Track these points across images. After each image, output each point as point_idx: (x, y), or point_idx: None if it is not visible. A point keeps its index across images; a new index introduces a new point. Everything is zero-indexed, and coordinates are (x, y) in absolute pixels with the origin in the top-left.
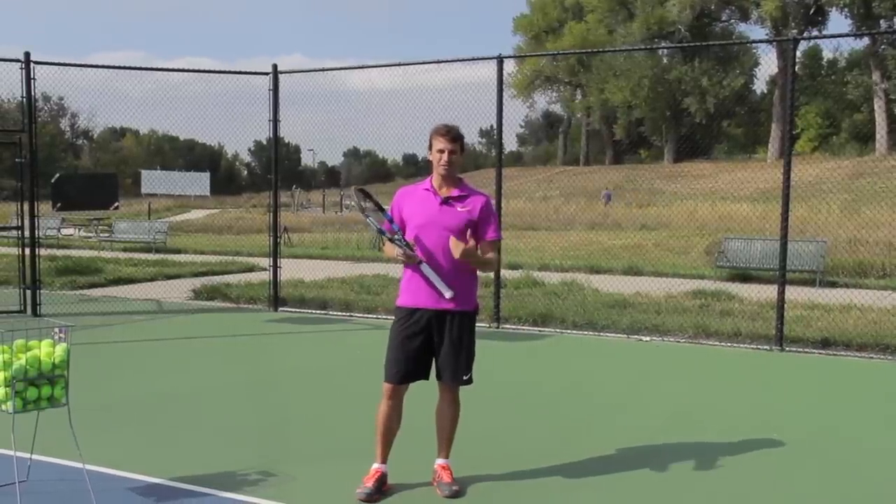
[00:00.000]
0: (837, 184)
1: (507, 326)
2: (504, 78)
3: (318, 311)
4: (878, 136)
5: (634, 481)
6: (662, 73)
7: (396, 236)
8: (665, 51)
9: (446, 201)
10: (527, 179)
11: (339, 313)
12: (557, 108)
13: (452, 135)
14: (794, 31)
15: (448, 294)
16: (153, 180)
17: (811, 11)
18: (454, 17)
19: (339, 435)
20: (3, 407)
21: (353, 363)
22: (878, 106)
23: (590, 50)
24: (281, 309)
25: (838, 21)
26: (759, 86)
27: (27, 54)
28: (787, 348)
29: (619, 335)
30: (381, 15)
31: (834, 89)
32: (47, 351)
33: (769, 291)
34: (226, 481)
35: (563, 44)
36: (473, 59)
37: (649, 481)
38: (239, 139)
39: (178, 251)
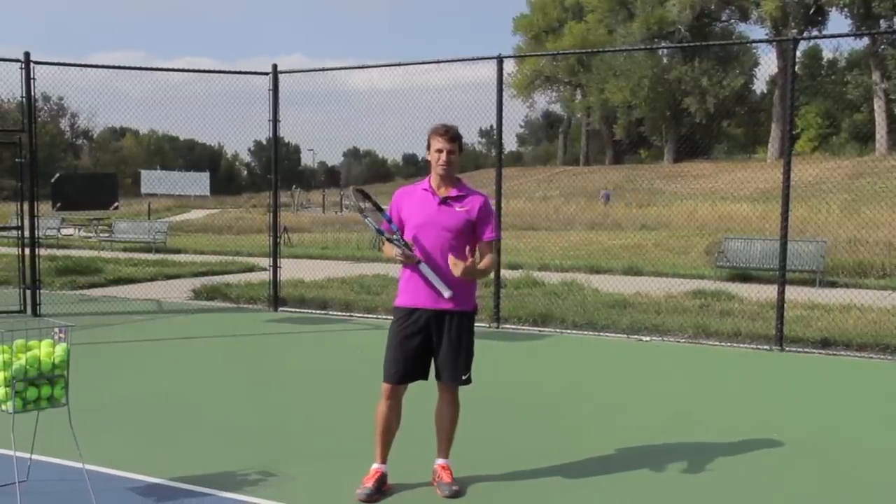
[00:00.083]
0: (837, 184)
1: (507, 326)
2: (504, 78)
3: (318, 311)
4: (877, 136)
5: (634, 481)
6: (662, 73)
7: (395, 236)
8: (665, 51)
9: (445, 201)
10: (527, 179)
11: (339, 313)
12: (557, 108)
13: (451, 135)
14: (794, 31)
15: (447, 294)
16: (153, 180)
17: (811, 11)
18: (454, 17)
19: (339, 435)
20: (3, 407)
21: (352, 363)
22: (878, 106)
23: (590, 50)
24: (281, 309)
25: (838, 21)
26: (759, 86)
27: (27, 54)
28: (787, 348)
29: (619, 335)
30: (381, 15)
31: (834, 89)
32: (47, 351)
33: (769, 291)
34: (226, 481)
35: (563, 44)
36: (473, 59)
37: (649, 481)
38: (239, 139)
39: (178, 251)
